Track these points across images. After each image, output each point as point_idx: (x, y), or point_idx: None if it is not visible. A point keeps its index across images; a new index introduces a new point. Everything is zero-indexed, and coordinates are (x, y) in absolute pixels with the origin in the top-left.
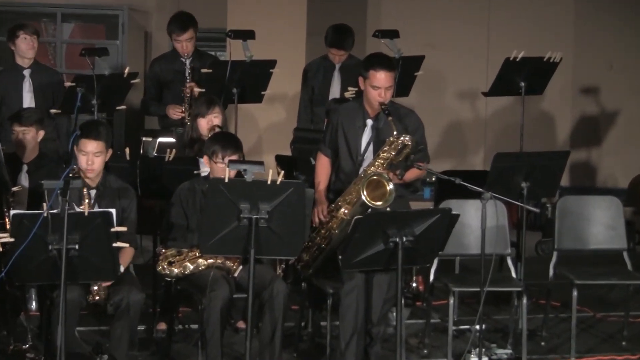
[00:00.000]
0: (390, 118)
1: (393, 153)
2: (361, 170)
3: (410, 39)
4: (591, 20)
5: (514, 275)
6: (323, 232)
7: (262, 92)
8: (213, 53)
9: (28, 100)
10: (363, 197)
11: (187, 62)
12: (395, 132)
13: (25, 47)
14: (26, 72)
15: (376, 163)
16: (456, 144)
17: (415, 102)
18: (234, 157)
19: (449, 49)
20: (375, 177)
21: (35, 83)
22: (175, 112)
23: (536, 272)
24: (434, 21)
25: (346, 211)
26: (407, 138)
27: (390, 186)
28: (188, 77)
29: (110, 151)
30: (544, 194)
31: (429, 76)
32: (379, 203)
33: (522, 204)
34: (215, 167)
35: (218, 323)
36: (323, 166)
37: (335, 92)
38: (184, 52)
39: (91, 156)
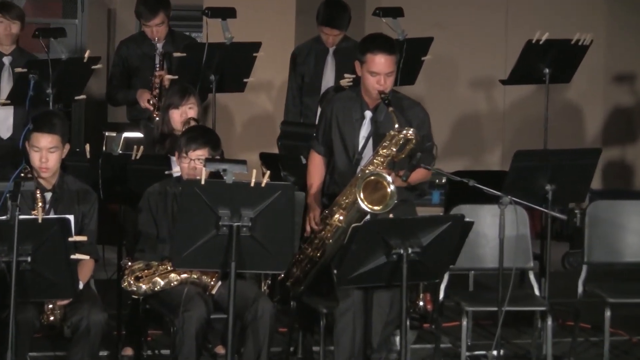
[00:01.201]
0: (390, 109)
1: (394, 149)
2: (359, 169)
3: (417, 18)
4: None
5: (537, 292)
6: (316, 242)
7: (245, 80)
8: (188, 34)
9: (7, 92)
10: (359, 201)
11: (159, 46)
12: (396, 125)
13: (2, 32)
14: (6, 60)
15: (375, 161)
16: (470, 140)
17: (422, 92)
18: (199, 153)
19: (461, 30)
20: (373, 178)
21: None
22: (145, 101)
23: (563, 289)
24: None
25: (341, 217)
26: (410, 132)
27: (390, 188)
28: (157, 65)
29: (67, 147)
30: (571, 199)
31: (438, 61)
32: (378, 207)
33: (546, 210)
34: (180, 165)
35: (193, 348)
36: (316, 166)
37: (329, 79)
38: (154, 38)
39: (45, 152)
